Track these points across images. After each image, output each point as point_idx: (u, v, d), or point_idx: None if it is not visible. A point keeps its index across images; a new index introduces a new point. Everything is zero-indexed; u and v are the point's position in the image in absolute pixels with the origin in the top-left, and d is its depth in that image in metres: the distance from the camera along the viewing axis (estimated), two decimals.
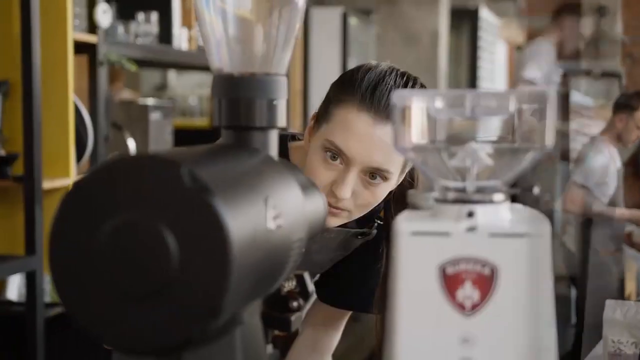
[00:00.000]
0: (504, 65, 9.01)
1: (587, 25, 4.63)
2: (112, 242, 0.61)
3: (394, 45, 5.17)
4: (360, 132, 1.22)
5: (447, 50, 5.97)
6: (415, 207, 0.78)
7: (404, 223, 0.69)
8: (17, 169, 2.38)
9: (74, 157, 2.54)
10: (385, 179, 1.25)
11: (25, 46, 2.34)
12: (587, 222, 4.40)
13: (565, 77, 4.68)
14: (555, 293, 0.69)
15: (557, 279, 4.40)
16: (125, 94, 3.69)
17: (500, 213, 0.70)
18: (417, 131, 0.71)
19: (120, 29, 2.91)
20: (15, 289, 2.57)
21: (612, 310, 2.01)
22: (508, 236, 0.67)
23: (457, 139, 0.72)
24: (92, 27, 2.64)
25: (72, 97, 2.49)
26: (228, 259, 0.60)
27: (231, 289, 0.61)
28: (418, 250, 0.68)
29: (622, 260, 4.47)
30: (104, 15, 2.63)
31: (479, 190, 0.71)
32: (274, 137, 0.82)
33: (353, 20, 4.99)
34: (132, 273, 0.61)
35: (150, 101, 3.11)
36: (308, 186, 0.86)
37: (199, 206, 0.60)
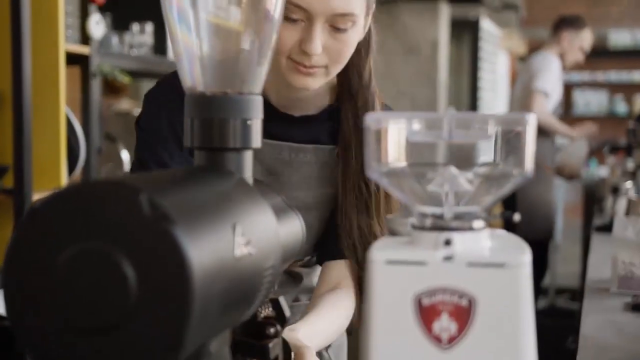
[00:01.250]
0: (505, 76, 8.99)
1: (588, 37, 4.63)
2: (68, 272, 0.58)
3: (394, 56, 5.14)
4: None
5: (448, 60, 5.95)
6: (393, 232, 0.75)
7: (379, 251, 0.66)
8: (8, 181, 2.35)
9: (66, 170, 2.51)
10: (352, 23, 1.21)
11: (16, 57, 2.31)
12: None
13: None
14: None
15: None
16: (125, 104, 3.67)
17: (479, 241, 0.67)
18: (392, 155, 0.68)
19: (115, 39, 2.88)
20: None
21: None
22: (487, 266, 0.64)
23: (435, 163, 0.70)
24: (85, 38, 2.62)
25: (64, 109, 2.46)
26: (189, 290, 0.57)
27: (193, 321, 0.58)
28: (393, 280, 0.65)
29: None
30: (97, 26, 2.60)
31: (458, 216, 0.68)
32: (248, 158, 0.80)
33: None
34: (88, 305, 0.58)
35: None
36: (283, 209, 0.83)
37: (158, 235, 0.57)
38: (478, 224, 0.68)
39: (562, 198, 5.97)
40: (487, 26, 7.46)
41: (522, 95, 4.49)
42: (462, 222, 0.67)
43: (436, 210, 0.69)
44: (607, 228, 2.80)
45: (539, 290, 4.70)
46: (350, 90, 1.34)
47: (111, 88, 3.50)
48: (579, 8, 9.82)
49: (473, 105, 7.29)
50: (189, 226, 0.59)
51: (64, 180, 2.49)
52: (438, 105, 5.54)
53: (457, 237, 0.66)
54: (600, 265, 2.20)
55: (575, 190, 6.24)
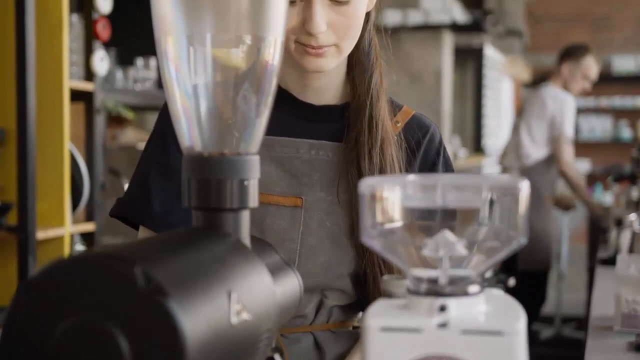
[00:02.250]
0: (509, 102, 9.01)
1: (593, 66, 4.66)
2: (64, 345, 0.59)
3: (397, 85, 5.17)
4: None
5: (452, 88, 5.97)
6: (388, 294, 0.75)
7: (374, 318, 0.66)
8: (12, 218, 2.36)
9: (70, 207, 2.52)
10: None
11: (21, 94, 2.33)
12: (534, 168, 4.47)
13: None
14: None
15: None
16: (130, 134, 3.69)
17: (474, 306, 0.67)
18: (386, 219, 0.69)
19: (119, 74, 2.90)
20: None
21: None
22: (482, 333, 0.64)
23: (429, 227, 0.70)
24: (90, 75, 2.63)
25: (67, 146, 2.47)
26: None
27: None
28: (388, 347, 0.65)
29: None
30: (101, 63, 2.62)
31: (452, 281, 0.68)
32: (245, 218, 0.80)
33: None
34: None
35: None
36: (280, 267, 0.83)
37: (152, 308, 0.57)
38: (473, 288, 0.68)
39: (568, 225, 5.95)
40: (491, 53, 7.49)
41: (549, 136, 4.48)
42: (457, 287, 0.67)
43: (431, 273, 0.69)
44: (611, 261, 2.79)
45: (535, 319, 4.68)
46: (350, 62, 1.25)
47: (116, 118, 3.52)
48: (582, 34, 9.86)
49: (477, 133, 7.31)
50: (183, 298, 0.59)
51: (68, 217, 2.50)
52: (442, 133, 5.54)
53: (452, 303, 0.66)
54: (604, 301, 2.19)
55: (580, 216, 6.23)
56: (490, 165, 7.51)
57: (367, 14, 1.23)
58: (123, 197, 1.27)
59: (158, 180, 1.23)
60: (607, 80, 9.69)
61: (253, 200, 0.80)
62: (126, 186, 2.91)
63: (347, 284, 1.25)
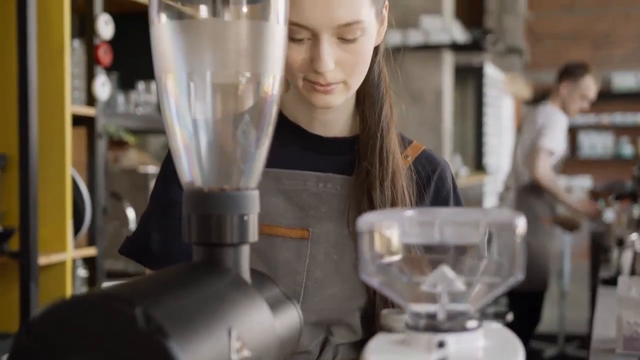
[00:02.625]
0: (510, 119, 9.03)
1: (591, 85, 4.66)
2: None
3: (398, 104, 5.18)
4: None
5: (452, 107, 5.99)
6: (387, 328, 0.75)
7: (373, 354, 0.67)
8: (14, 244, 2.37)
9: (72, 231, 2.53)
10: (361, 31, 1.12)
11: (23, 120, 2.34)
12: (530, 188, 4.45)
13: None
14: None
15: None
16: (132, 156, 3.70)
17: (473, 341, 0.67)
18: (385, 256, 0.69)
19: (121, 98, 2.92)
20: None
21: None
22: None
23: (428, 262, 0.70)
24: (91, 100, 2.65)
25: (69, 171, 2.48)
26: None
27: None
28: None
29: (554, 233, 4.64)
30: (103, 88, 2.64)
31: (451, 316, 0.68)
32: (245, 253, 0.80)
33: None
34: None
35: (151, 169, 3.11)
36: (280, 300, 0.83)
37: (153, 349, 0.58)
38: (471, 323, 0.68)
39: (570, 242, 5.95)
40: (491, 71, 7.51)
41: (529, 152, 4.52)
42: (456, 322, 0.68)
43: (430, 308, 0.69)
44: (613, 281, 2.79)
45: (530, 338, 4.67)
46: (359, 95, 1.25)
47: (118, 141, 3.53)
48: (582, 51, 9.89)
49: (478, 151, 7.32)
50: (184, 338, 0.60)
51: (69, 242, 2.50)
52: (443, 153, 5.56)
53: (451, 339, 0.67)
54: (606, 322, 2.19)
55: (582, 233, 6.23)
56: (491, 184, 7.52)
57: (376, 47, 1.23)
58: (131, 235, 1.29)
59: (158, 219, 1.24)
60: (608, 97, 9.72)
61: (253, 234, 0.80)
62: (128, 210, 2.92)
63: (355, 321, 1.23)
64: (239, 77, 0.79)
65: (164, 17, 0.78)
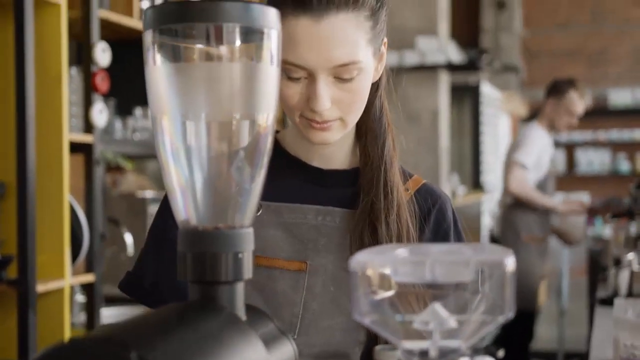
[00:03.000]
0: (507, 137, 9.05)
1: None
2: None
3: (394, 125, 5.19)
4: (305, 38, 1.11)
5: (449, 126, 6.01)
6: None
7: None
8: (12, 271, 2.37)
9: (69, 259, 2.53)
10: (357, 70, 1.13)
11: (21, 147, 2.35)
12: (513, 206, 4.42)
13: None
14: None
15: None
16: (131, 179, 3.71)
17: None
18: (378, 295, 0.70)
19: (119, 124, 2.93)
20: None
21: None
22: None
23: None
24: (89, 126, 2.66)
25: (67, 198, 2.49)
26: None
27: None
28: None
29: (547, 251, 4.54)
30: (100, 115, 2.65)
31: (443, 353, 0.69)
32: (240, 290, 0.81)
33: None
34: None
35: (149, 194, 3.12)
36: (275, 336, 0.84)
37: None
38: None
39: (568, 259, 5.95)
40: (488, 90, 7.54)
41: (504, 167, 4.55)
42: (448, 359, 0.69)
43: (422, 345, 0.70)
44: (610, 301, 2.79)
45: (526, 357, 4.64)
46: (360, 130, 1.26)
47: (116, 166, 3.54)
48: (578, 68, 9.94)
49: (475, 169, 7.34)
50: None
51: (67, 269, 2.51)
52: (440, 172, 5.57)
53: None
54: (604, 342, 2.19)
55: (581, 251, 6.23)
56: (489, 202, 7.53)
57: (377, 82, 1.24)
58: (131, 269, 1.30)
59: (154, 256, 1.26)
60: (604, 114, 9.75)
61: (247, 271, 0.81)
62: (126, 235, 2.92)
63: (355, 356, 1.23)
64: (233, 117, 0.80)
65: (158, 59, 0.79)
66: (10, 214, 2.40)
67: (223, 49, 0.79)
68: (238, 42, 0.78)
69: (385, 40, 1.23)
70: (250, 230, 0.82)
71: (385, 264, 0.70)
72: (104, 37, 2.75)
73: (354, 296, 0.70)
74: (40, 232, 2.42)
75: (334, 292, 1.21)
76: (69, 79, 2.57)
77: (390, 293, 0.71)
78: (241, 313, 0.81)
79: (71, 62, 2.69)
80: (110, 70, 2.76)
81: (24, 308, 2.30)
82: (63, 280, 2.48)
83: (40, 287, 2.39)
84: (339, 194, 1.26)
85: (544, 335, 6.54)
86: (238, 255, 0.80)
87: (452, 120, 6.49)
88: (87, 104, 2.65)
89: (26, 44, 2.34)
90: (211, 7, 0.78)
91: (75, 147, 2.61)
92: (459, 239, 1.29)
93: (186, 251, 0.81)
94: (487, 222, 7.33)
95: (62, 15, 2.46)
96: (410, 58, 5.14)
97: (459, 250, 0.73)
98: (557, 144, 9.90)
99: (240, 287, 0.81)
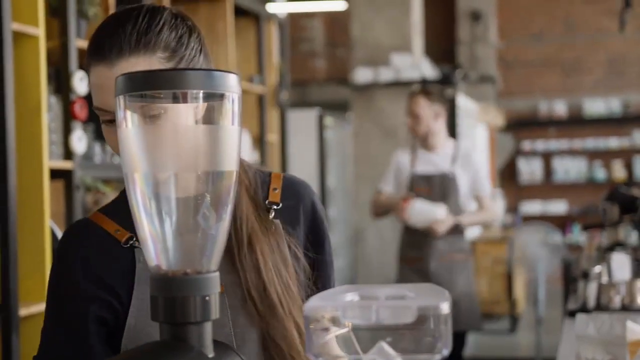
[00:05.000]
0: (485, 148, 9.17)
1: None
2: None
3: (371, 140, 5.29)
4: (103, 83, 1.18)
5: None
6: None
7: None
8: None
9: None
10: (164, 109, 1.14)
11: (2, 175, 2.41)
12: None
13: None
14: None
15: None
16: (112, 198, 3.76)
17: None
18: (327, 335, 0.78)
19: (97, 148, 3.00)
20: None
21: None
22: None
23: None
24: (68, 153, 2.73)
25: (48, 223, 2.56)
26: None
27: None
28: None
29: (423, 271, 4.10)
30: (79, 142, 2.72)
31: None
32: (208, 329, 0.89)
33: (329, 120, 5.11)
34: None
35: None
36: None
37: None
38: None
39: (544, 270, 6.05)
40: (464, 102, 7.65)
41: None
42: None
43: None
44: (578, 313, 2.87)
45: None
46: None
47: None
48: (553, 78, 10.09)
49: None
50: None
51: None
52: None
53: None
54: (569, 356, 2.27)
55: (557, 258, 6.32)
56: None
57: None
58: (37, 354, 1.27)
59: (62, 338, 1.24)
60: (580, 123, 9.91)
61: (215, 312, 0.89)
62: None
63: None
64: (198, 172, 0.88)
65: (129, 122, 0.87)
66: None
67: (188, 112, 0.87)
68: (201, 106, 0.86)
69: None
70: (216, 274, 0.90)
71: (336, 309, 0.78)
72: (81, 63, 2.82)
73: (307, 337, 0.78)
74: (22, 257, 2.48)
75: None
76: (48, 107, 2.64)
77: (340, 334, 0.79)
78: (209, 350, 0.89)
79: (50, 91, 2.76)
80: (88, 95, 2.83)
81: (7, 332, 2.36)
82: (44, 305, 2.54)
83: (23, 311, 2.45)
84: None
85: (522, 342, 6.65)
86: (205, 298, 0.88)
87: None
88: (67, 131, 2.72)
89: (6, 75, 2.40)
90: (177, 75, 0.86)
91: (55, 174, 2.67)
92: (321, 217, 1.35)
93: (158, 295, 0.88)
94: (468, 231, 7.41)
95: (40, 47, 2.53)
96: (385, 74, 5.23)
97: (403, 294, 0.81)
98: (535, 153, 10.06)
99: (208, 327, 0.89)
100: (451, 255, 4.03)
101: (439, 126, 4.03)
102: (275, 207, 1.30)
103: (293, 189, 1.35)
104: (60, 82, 2.79)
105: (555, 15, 9.93)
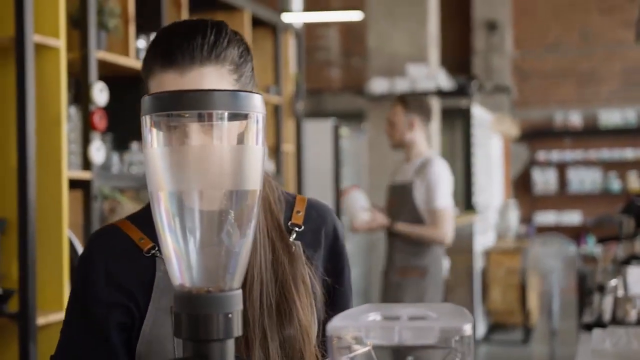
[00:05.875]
0: (499, 158, 9.15)
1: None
2: None
3: (385, 150, 5.28)
4: (171, 87, 1.19)
5: (441, 149, 6.10)
6: None
7: None
8: (12, 305, 2.45)
9: (69, 292, 2.61)
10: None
11: (22, 185, 2.44)
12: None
13: None
14: None
15: None
16: (128, 207, 3.78)
17: None
18: (350, 355, 0.79)
19: (116, 158, 3.02)
20: None
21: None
22: None
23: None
24: (87, 164, 2.75)
25: (66, 233, 2.58)
26: None
27: None
28: None
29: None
30: (98, 152, 2.74)
31: None
32: (230, 347, 0.90)
33: (344, 131, 5.12)
34: None
35: None
36: None
37: None
38: None
39: (558, 281, 6.04)
40: (479, 112, 7.65)
41: None
42: None
43: None
44: (594, 326, 2.86)
45: None
46: None
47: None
48: (568, 89, 10.06)
49: (468, 191, 7.43)
50: None
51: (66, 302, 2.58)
52: None
53: None
54: None
55: (572, 270, 6.30)
56: (481, 222, 7.62)
57: None
58: (54, 354, 1.29)
59: (81, 339, 1.26)
60: (595, 134, 9.88)
61: (237, 329, 0.90)
62: None
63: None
64: (222, 192, 0.89)
65: (155, 142, 0.88)
66: (11, 249, 2.48)
67: (213, 133, 0.88)
68: (226, 126, 0.88)
69: None
70: (239, 291, 0.91)
71: (358, 329, 0.79)
72: (100, 74, 2.85)
73: (330, 357, 0.79)
74: (40, 267, 2.50)
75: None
76: (67, 118, 2.66)
77: (363, 353, 0.80)
78: None
79: (70, 102, 2.78)
80: (108, 106, 2.85)
81: (25, 341, 2.38)
82: (62, 313, 2.56)
83: (41, 320, 2.47)
84: None
85: (535, 353, 6.62)
86: (228, 316, 0.89)
87: (444, 143, 6.59)
88: (86, 141, 2.74)
89: (27, 86, 2.43)
90: (203, 96, 0.87)
91: (73, 184, 2.70)
92: (342, 248, 1.37)
93: (181, 312, 0.90)
94: (480, 242, 7.42)
95: (61, 59, 2.56)
96: (401, 85, 5.24)
97: (424, 314, 0.82)
98: (549, 164, 10.04)
99: (230, 344, 0.90)
100: (405, 271, 3.90)
101: (415, 136, 3.95)
102: (297, 229, 1.32)
103: (316, 212, 1.36)
104: (79, 93, 2.82)
105: (571, 25, 9.92)
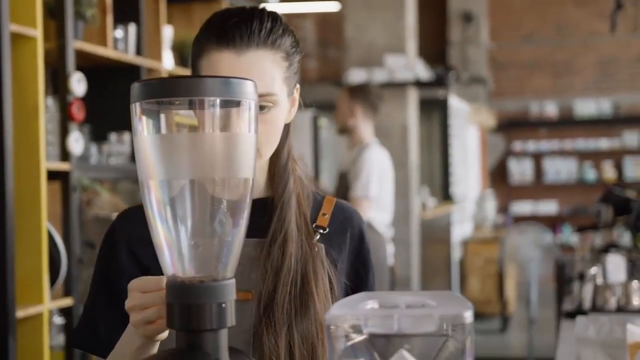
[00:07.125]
0: (476, 148, 9.19)
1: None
2: None
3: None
4: (228, 69, 1.19)
5: (418, 140, 6.11)
6: None
7: None
8: None
9: (48, 283, 2.58)
10: (273, 103, 1.21)
11: None
12: None
13: None
14: None
15: None
16: (105, 198, 3.75)
17: None
18: (349, 344, 0.78)
19: (94, 149, 2.99)
20: None
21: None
22: None
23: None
24: (65, 155, 2.71)
25: (45, 225, 2.55)
26: None
27: None
28: None
29: None
30: (76, 143, 2.71)
31: None
32: (224, 337, 0.89)
33: (323, 122, 5.11)
34: None
35: None
36: None
37: None
38: None
39: (536, 270, 6.07)
40: (456, 103, 7.67)
41: None
42: None
43: None
44: (575, 314, 2.87)
45: None
46: (273, 177, 1.31)
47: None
48: (544, 79, 10.12)
49: (445, 181, 7.45)
50: None
51: (46, 294, 2.56)
52: (410, 186, 5.67)
53: None
54: (569, 357, 2.27)
55: (549, 259, 6.34)
56: (458, 212, 7.65)
57: (287, 126, 1.30)
58: (77, 326, 1.31)
59: (103, 307, 1.27)
60: (570, 124, 9.94)
61: (230, 319, 0.89)
62: None
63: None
64: (214, 179, 0.88)
65: (145, 130, 0.87)
66: None
67: (205, 120, 0.86)
68: (218, 113, 0.86)
69: (299, 87, 1.31)
70: (232, 281, 0.90)
71: (357, 317, 0.78)
72: (78, 64, 2.81)
73: (329, 346, 0.78)
74: (19, 259, 2.47)
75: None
76: (45, 109, 2.62)
77: (360, 341, 0.79)
78: (224, 357, 0.88)
79: (47, 93, 2.74)
80: (85, 97, 2.82)
81: (4, 334, 2.34)
82: (42, 305, 2.53)
83: (20, 313, 2.44)
84: (255, 223, 1.24)
85: (513, 342, 6.67)
86: (222, 305, 0.88)
87: (421, 134, 6.59)
88: (64, 132, 2.71)
89: (4, 77, 2.39)
90: (194, 82, 0.85)
91: (52, 175, 2.66)
92: (367, 251, 1.37)
93: (174, 302, 0.88)
94: (457, 232, 7.45)
95: (38, 48, 2.52)
96: (379, 75, 5.23)
97: (422, 302, 0.81)
98: (525, 154, 10.10)
99: (224, 334, 0.89)
100: None
101: (357, 124, 3.98)
102: (321, 231, 1.31)
103: (343, 215, 1.36)
104: (57, 84, 2.78)
105: (546, 17, 9.96)
